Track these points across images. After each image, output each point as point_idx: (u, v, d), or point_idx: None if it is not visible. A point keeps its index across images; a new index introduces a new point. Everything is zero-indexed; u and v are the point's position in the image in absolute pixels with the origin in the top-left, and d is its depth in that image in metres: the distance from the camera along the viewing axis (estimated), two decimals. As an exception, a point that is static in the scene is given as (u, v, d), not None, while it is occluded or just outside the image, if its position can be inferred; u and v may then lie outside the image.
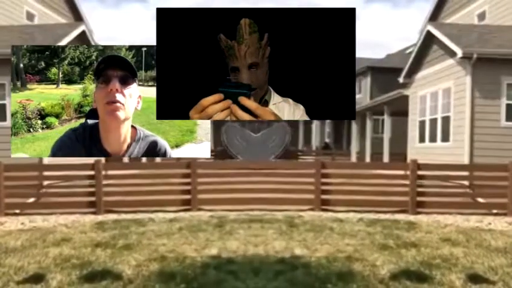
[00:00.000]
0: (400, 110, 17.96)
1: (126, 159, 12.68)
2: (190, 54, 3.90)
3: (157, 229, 6.97)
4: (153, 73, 5.62)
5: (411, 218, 8.43)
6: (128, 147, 3.40)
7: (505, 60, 12.06)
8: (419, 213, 8.93)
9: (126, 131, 3.37)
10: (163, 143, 3.57)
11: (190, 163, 9.37)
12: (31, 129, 7.63)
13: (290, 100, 3.80)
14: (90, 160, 8.98)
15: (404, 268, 4.87)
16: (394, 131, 20.64)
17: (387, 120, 19.98)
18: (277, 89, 3.84)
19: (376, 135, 23.10)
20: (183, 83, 3.72)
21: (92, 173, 9.12)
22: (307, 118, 3.80)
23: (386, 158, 19.19)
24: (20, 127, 7.81)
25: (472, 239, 6.33)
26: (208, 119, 3.45)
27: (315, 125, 34.80)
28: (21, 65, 8.29)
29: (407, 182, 9.34)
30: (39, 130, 8.59)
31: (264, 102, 3.76)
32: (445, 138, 13.40)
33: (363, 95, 29.74)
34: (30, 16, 17.43)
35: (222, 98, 3.44)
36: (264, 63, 3.64)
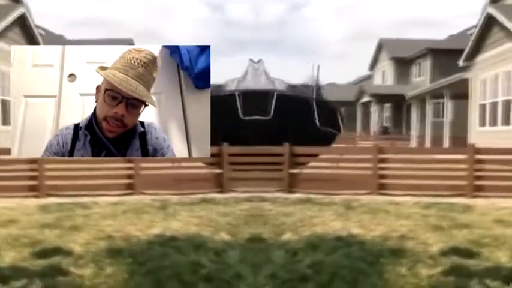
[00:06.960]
0: (461, 93, 17.78)
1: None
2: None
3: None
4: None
5: (468, 201, 8.64)
6: None
7: None
8: (476, 196, 9.09)
9: None
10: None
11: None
12: None
13: None
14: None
15: (454, 246, 5.23)
16: (455, 114, 20.36)
17: (448, 104, 19.75)
18: None
19: (436, 119, 22.80)
20: None
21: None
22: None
23: (446, 143, 19.04)
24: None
25: (526, 221, 6.53)
26: None
27: (373, 109, 34.52)
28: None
29: (465, 166, 9.51)
30: None
31: None
32: (505, 121, 13.25)
33: (423, 78, 29.11)
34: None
35: None
36: None
